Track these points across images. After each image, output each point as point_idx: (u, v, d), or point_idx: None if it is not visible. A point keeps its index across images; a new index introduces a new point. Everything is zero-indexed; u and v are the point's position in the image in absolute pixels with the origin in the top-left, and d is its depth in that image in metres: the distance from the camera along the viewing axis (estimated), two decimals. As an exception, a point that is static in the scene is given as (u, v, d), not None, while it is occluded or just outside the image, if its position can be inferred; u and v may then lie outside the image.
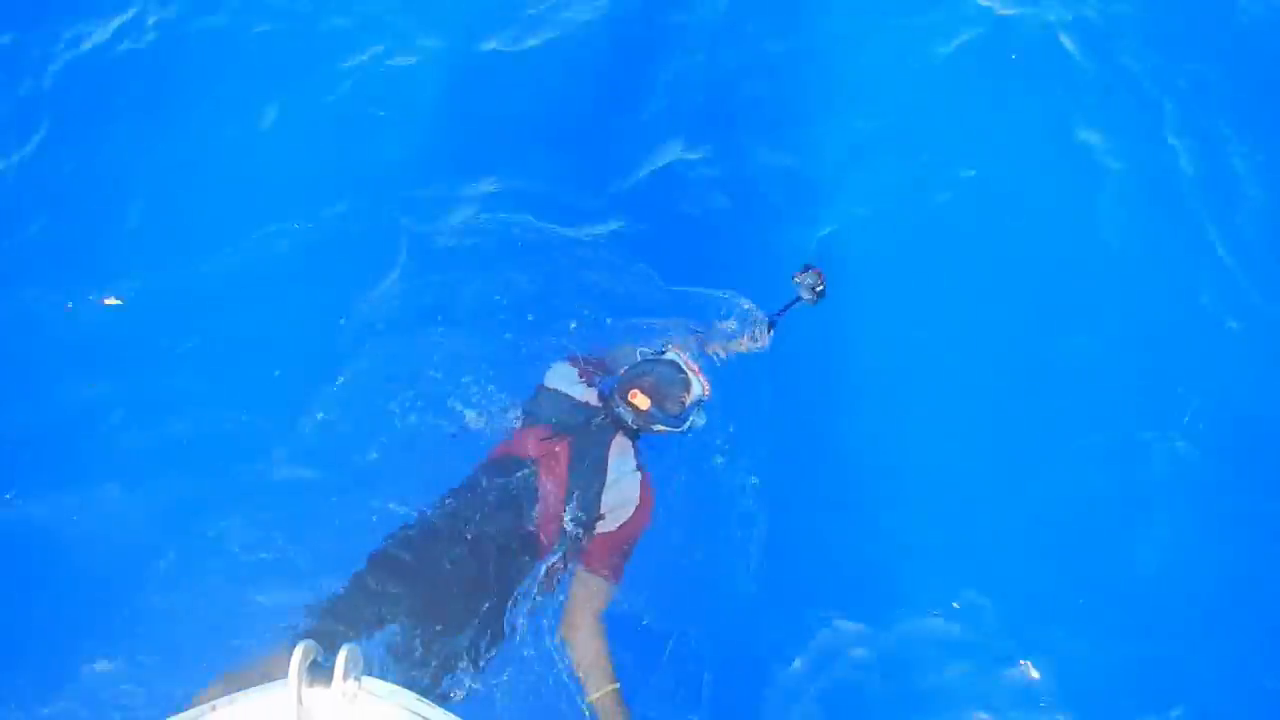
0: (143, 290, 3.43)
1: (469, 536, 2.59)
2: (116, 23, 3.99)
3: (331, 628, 2.50)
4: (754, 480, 3.09)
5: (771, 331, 2.97)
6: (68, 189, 3.72)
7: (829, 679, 2.92)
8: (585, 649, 2.54)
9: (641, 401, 2.73)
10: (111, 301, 3.43)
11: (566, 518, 2.65)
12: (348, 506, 2.85)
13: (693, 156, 3.73)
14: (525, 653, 2.64)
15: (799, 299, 2.90)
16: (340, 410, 3.10)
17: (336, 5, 4.08)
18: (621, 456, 2.74)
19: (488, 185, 3.71)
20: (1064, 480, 3.24)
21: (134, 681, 2.68)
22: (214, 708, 1.49)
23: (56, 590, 2.95)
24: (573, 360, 2.98)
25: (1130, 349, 3.42)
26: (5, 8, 4.11)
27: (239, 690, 1.51)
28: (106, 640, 2.75)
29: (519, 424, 2.85)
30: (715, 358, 2.99)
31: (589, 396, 2.86)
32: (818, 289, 2.85)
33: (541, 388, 2.91)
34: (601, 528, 2.66)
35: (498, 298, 3.38)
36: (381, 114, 3.88)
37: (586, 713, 2.52)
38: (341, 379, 3.16)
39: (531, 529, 2.62)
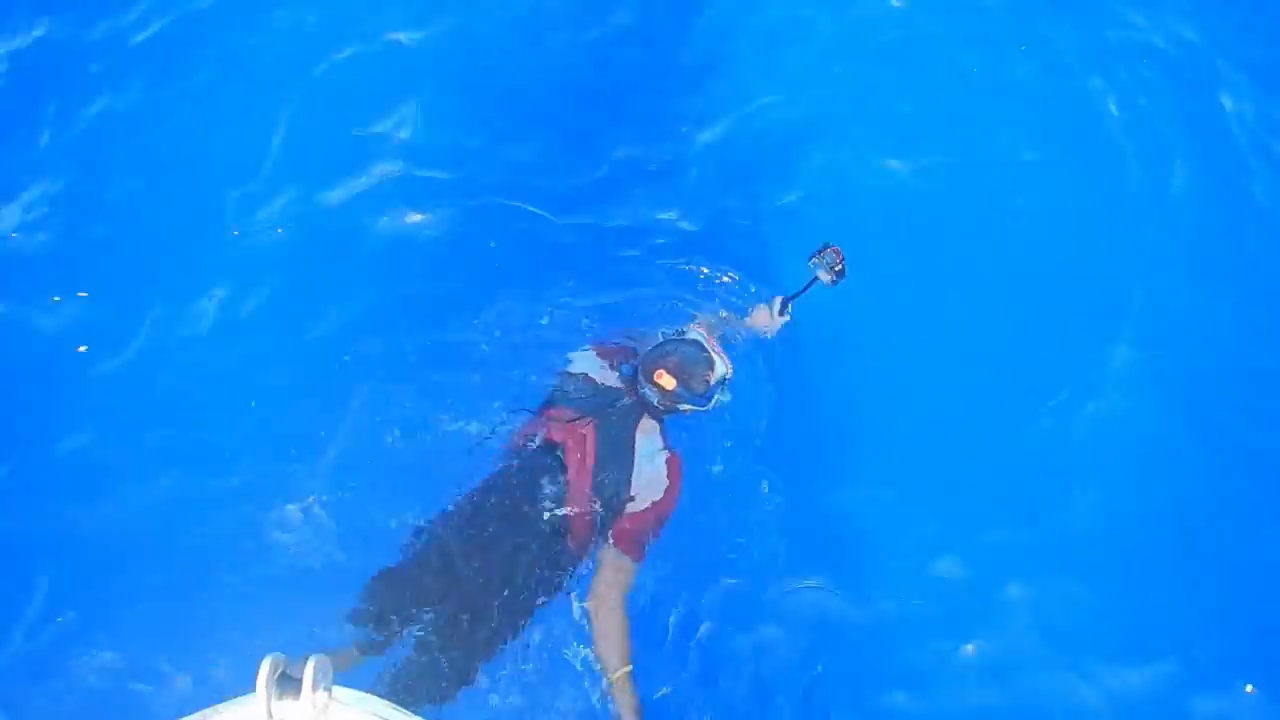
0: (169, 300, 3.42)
1: (497, 523, 2.61)
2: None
3: (368, 620, 2.54)
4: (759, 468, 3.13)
5: (788, 313, 3.03)
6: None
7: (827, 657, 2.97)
8: (609, 625, 2.58)
9: (667, 382, 2.75)
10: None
11: (595, 499, 2.67)
12: (378, 501, 2.87)
13: (699, 141, 3.77)
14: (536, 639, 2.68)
15: (815, 279, 2.95)
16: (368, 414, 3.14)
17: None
18: (649, 438, 2.77)
19: (482, 171, 3.73)
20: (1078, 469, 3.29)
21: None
22: None
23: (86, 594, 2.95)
24: (595, 345, 3.01)
25: (1137, 334, 3.46)
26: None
27: None
28: (141, 645, 2.78)
29: (544, 409, 2.86)
30: (736, 338, 3.03)
31: (612, 379, 2.88)
32: (836, 269, 2.90)
33: (565, 373, 2.93)
34: (631, 508, 2.69)
35: (501, 292, 3.40)
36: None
37: (606, 689, 2.55)
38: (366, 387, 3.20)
39: (560, 512, 2.64)
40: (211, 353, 3.34)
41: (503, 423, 2.88)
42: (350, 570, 2.62)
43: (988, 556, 3.10)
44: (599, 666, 2.58)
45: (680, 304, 3.21)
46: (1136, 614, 3.06)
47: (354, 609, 2.54)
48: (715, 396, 2.84)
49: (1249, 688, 2.92)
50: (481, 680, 2.57)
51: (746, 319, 3.11)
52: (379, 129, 3.78)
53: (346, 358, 3.26)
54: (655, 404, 2.80)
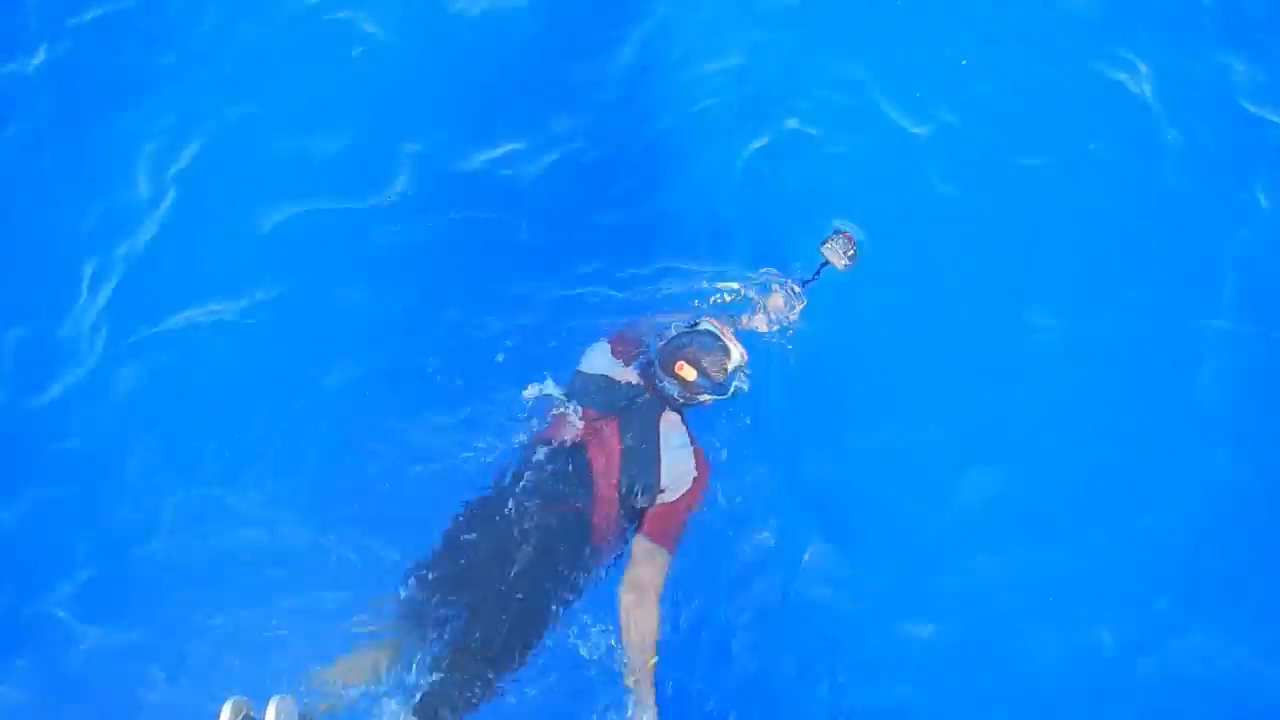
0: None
1: (523, 525, 2.59)
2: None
3: (398, 625, 2.55)
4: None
5: (802, 300, 3.04)
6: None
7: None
8: (642, 616, 2.57)
9: (688, 373, 2.76)
10: None
11: (624, 496, 2.66)
12: (400, 505, 2.87)
13: (700, 134, 3.74)
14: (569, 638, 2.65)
15: (826, 263, 2.96)
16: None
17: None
18: (672, 431, 2.76)
19: (476, 162, 3.69)
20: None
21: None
22: None
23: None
24: (608, 340, 2.99)
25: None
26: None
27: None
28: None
29: (561, 409, 2.83)
30: (754, 325, 3.03)
31: (629, 375, 2.87)
32: (849, 253, 2.91)
33: (579, 372, 2.91)
34: (661, 499, 2.69)
35: (506, 286, 3.39)
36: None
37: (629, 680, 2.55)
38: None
39: (585, 512, 2.63)
40: (222, 355, 3.34)
41: (526, 416, 2.86)
42: (369, 572, 2.66)
43: (1003, 549, 3.10)
44: (623, 659, 2.57)
45: (693, 298, 3.19)
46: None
47: (381, 606, 2.56)
48: (734, 384, 2.85)
49: None
50: (506, 686, 2.54)
51: (758, 310, 3.10)
52: (377, 140, 3.73)
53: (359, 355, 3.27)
54: (676, 397, 2.80)
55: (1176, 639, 2.98)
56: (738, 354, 2.84)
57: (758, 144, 3.64)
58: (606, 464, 2.68)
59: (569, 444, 2.71)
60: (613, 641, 2.62)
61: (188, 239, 3.50)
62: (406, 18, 3.89)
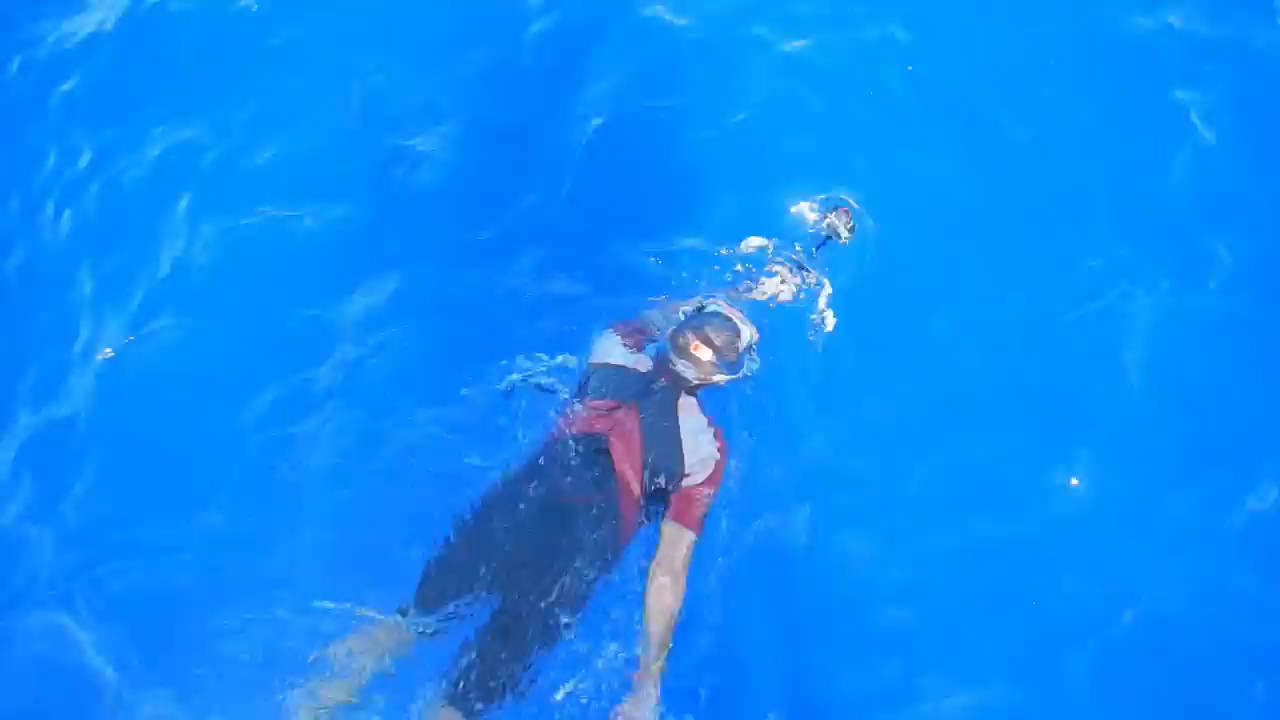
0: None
1: (545, 517, 2.62)
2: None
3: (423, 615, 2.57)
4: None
5: (804, 279, 3.07)
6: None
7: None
8: (669, 593, 2.60)
9: (704, 353, 2.78)
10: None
11: (647, 482, 2.68)
12: (423, 495, 2.86)
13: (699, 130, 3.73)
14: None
15: (827, 240, 3.00)
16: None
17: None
18: (691, 415, 2.78)
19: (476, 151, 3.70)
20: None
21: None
22: None
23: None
24: (615, 330, 3.00)
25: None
26: None
27: None
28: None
29: (577, 402, 2.84)
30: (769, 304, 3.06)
31: (641, 363, 2.88)
32: (850, 226, 2.96)
33: (591, 363, 2.92)
34: (687, 483, 2.71)
35: (508, 281, 3.39)
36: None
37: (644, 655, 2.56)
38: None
39: (611, 500, 2.65)
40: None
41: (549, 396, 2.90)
42: (397, 560, 2.64)
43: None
44: (642, 637, 2.58)
45: (699, 281, 3.21)
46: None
47: (412, 595, 2.58)
48: (746, 363, 2.88)
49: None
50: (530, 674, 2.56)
51: (761, 289, 3.13)
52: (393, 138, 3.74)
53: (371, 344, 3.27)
54: (691, 379, 2.81)
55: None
56: (748, 333, 2.87)
57: (746, 117, 3.66)
58: (628, 451, 2.69)
59: (590, 434, 2.72)
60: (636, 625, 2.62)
61: (169, 245, 3.51)
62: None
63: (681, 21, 3.87)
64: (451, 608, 2.57)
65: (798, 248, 3.05)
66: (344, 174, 3.62)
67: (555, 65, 3.80)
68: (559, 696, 2.59)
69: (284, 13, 3.98)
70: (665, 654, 2.55)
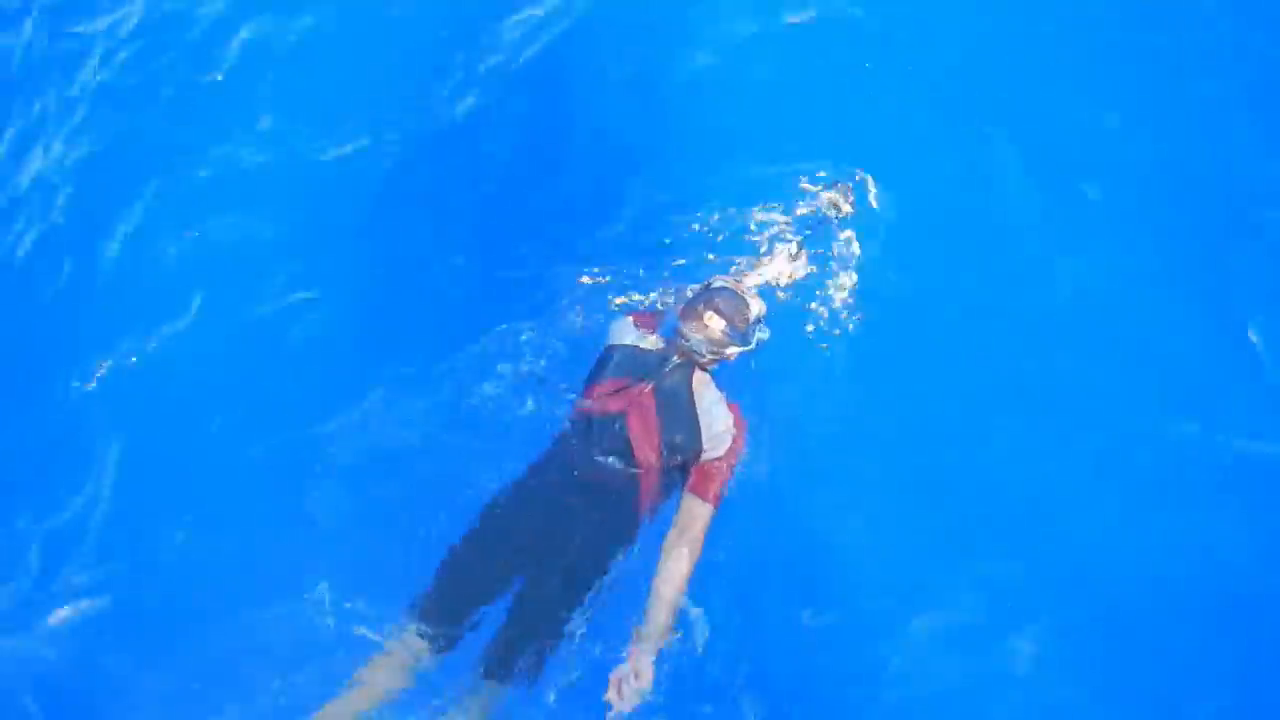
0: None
1: (564, 498, 2.66)
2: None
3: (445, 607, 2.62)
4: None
5: (805, 254, 3.15)
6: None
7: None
8: (686, 565, 2.62)
9: (716, 323, 2.83)
10: None
11: (666, 459, 2.72)
12: (444, 478, 2.87)
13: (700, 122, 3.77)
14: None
15: (826, 218, 3.08)
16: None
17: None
18: (705, 390, 2.82)
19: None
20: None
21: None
22: None
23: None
24: (630, 314, 3.07)
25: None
26: None
27: None
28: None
29: (595, 382, 2.87)
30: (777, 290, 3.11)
31: (655, 342, 2.93)
32: (849, 199, 3.05)
33: (607, 346, 2.96)
34: (705, 458, 2.75)
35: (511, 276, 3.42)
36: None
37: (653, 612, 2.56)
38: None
39: (630, 478, 2.69)
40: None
41: (564, 390, 2.91)
42: (420, 552, 2.65)
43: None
44: (650, 601, 2.57)
45: (707, 253, 3.27)
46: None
47: (424, 603, 2.61)
48: (755, 335, 2.93)
49: None
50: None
51: (761, 267, 3.20)
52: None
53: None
54: (704, 353, 2.85)
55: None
56: (757, 305, 2.93)
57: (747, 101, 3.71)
58: (645, 428, 2.72)
59: (607, 413, 2.75)
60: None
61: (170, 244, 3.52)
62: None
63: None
64: (475, 617, 2.61)
65: (788, 220, 3.11)
66: (344, 173, 3.63)
67: (553, 47, 3.83)
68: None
69: (282, 10, 4.01)
70: (668, 631, 2.56)
